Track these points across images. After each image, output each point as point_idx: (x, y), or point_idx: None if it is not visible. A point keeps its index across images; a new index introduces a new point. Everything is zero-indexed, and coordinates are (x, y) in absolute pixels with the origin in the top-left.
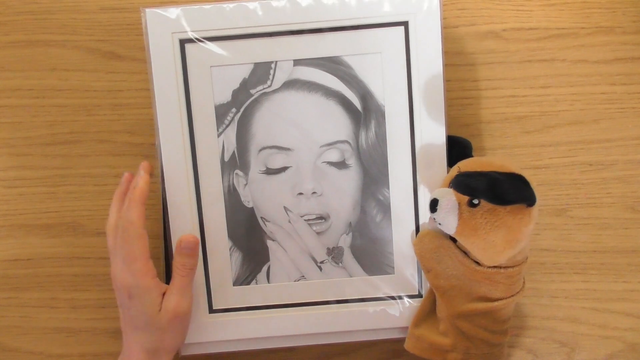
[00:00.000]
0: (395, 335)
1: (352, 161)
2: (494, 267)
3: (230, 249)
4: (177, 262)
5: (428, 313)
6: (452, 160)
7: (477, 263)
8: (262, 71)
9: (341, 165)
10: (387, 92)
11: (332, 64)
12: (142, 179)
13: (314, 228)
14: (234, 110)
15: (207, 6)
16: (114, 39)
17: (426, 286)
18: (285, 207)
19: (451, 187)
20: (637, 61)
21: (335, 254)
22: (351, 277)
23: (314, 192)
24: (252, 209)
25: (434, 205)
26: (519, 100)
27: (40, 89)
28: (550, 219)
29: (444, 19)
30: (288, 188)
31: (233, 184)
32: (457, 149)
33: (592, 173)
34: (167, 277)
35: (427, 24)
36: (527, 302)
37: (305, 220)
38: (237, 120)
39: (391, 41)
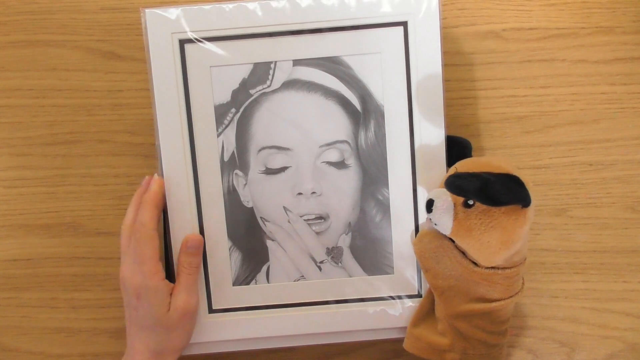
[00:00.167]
0: (395, 335)
1: (351, 161)
2: (492, 268)
3: (229, 249)
4: (183, 261)
5: (427, 313)
6: (451, 161)
7: (475, 264)
8: (261, 71)
9: (340, 165)
10: (386, 92)
11: (332, 64)
12: (156, 183)
13: (314, 228)
14: (233, 110)
15: (206, 6)
16: (114, 39)
17: (425, 286)
18: (284, 207)
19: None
20: (637, 61)
21: (334, 254)
22: (351, 277)
23: (314, 192)
24: (251, 209)
25: (429, 205)
26: (519, 100)
27: (40, 89)
28: (550, 219)
29: (443, 19)
30: (287, 188)
31: (232, 184)
32: (457, 149)
33: (592, 173)
34: (168, 276)
35: (427, 24)
36: (527, 302)
37: (304, 220)
38: (236, 121)
39: (390, 41)
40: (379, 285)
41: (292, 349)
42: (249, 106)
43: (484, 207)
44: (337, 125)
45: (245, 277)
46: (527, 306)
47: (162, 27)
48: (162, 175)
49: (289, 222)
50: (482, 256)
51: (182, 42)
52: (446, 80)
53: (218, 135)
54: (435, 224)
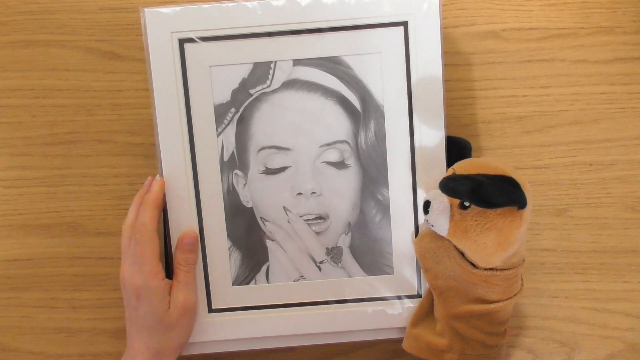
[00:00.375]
0: (395, 335)
1: (351, 161)
2: (490, 269)
3: (229, 249)
4: (180, 259)
5: (426, 313)
6: (451, 161)
7: (474, 265)
8: (261, 71)
9: (340, 165)
10: (386, 92)
11: (332, 64)
12: (157, 184)
13: (313, 228)
14: (233, 110)
15: (206, 6)
16: (114, 39)
17: (425, 287)
18: (284, 207)
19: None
20: (637, 61)
21: (334, 254)
22: (350, 277)
23: (313, 192)
24: (251, 208)
25: (426, 207)
26: (519, 100)
27: (40, 89)
28: (550, 219)
29: (443, 19)
30: (287, 188)
31: (232, 183)
32: (456, 149)
33: (592, 173)
34: (168, 276)
35: (427, 25)
36: (527, 302)
37: (304, 220)
38: (236, 120)
39: (391, 41)
40: (379, 285)
41: (292, 349)
42: (248, 106)
43: (480, 208)
44: (337, 125)
45: (245, 276)
46: (527, 306)
47: (162, 26)
48: (161, 175)
49: (288, 222)
50: (479, 257)
51: (182, 42)
52: (446, 80)
53: (218, 135)
54: (432, 225)
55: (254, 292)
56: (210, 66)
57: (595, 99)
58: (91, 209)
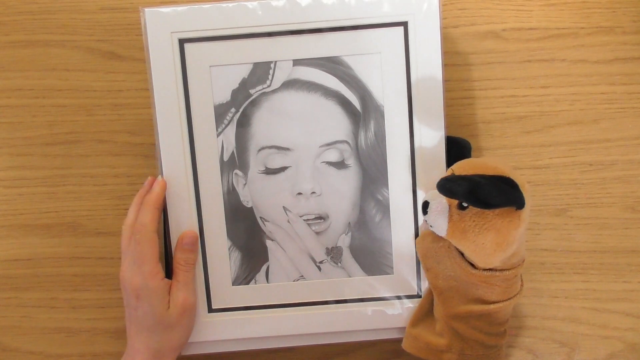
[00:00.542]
0: (395, 335)
1: (351, 161)
2: (489, 270)
3: (229, 249)
4: (180, 258)
5: (426, 313)
6: (450, 161)
7: (473, 266)
8: (261, 71)
9: (340, 165)
10: (386, 93)
11: (332, 64)
12: (159, 185)
13: (313, 228)
14: (233, 110)
15: (206, 6)
16: (114, 39)
17: (425, 287)
18: (284, 207)
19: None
20: (637, 61)
21: (334, 254)
22: (350, 277)
23: (313, 192)
24: (251, 208)
25: (425, 207)
26: (519, 100)
27: (40, 89)
28: (550, 219)
29: (444, 19)
30: (287, 188)
31: (232, 183)
32: (456, 149)
33: (592, 173)
34: (168, 276)
35: (427, 25)
36: (527, 302)
37: (304, 220)
38: (236, 120)
39: (390, 41)
40: (379, 285)
41: (292, 349)
42: (248, 106)
43: (478, 209)
44: (337, 125)
45: (245, 276)
46: (527, 306)
47: (162, 26)
48: (162, 175)
49: (288, 222)
50: (478, 258)
51: (182, 42)
52: (446, 80)
53: (218, 135)
54: (431, 226)
55: (254, 292)
56: (210, 66)
57: (595, 99)
58: (91, 209)
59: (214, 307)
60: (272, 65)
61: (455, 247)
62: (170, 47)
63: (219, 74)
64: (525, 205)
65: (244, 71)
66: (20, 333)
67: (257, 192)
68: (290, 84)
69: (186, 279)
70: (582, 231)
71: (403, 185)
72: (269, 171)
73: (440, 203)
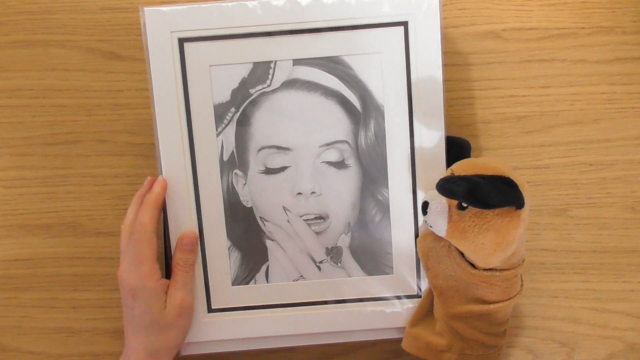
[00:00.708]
0: (395, 335)
1: (351, 161)
2: (489, 270)
3: (229, 249)
4: (179, 259)
5: (426, 313)
6: (450, 161)
7: (473, 266)
8: (261, 71)
9: (340, 165)
10: (386, 92)
11: (332, 64)
12: (159, 184)
13: (313, 228)
14: (233, 109)
15: (206, 5)
16: (114, 39)
17: (424, 287)
18: (284, 207)
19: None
20: (637, 61)
21: (334, 254)
22: (350, 277)
23: (313, 192)
24: (251, 208)
25: (425, 207)
26: (519, 100)
27: (40, 89)
28: (550, 219)
29: (444, 19)
30: (287, 188)
31: (232, 183)
32: (455, 149)
33: (592, 173)
34: (167, 276)
35: (427, 25)
36: (527, 302)
37: (304, 220)
38: (236, 120)
39: (391, 41)
40: (378, 285)
41: (292, 349)
42: (248, 106)
43: (477, 209)
44: (337, 125)
45: (245, 276)
46: (527, 306)
47: (161, 25)
48: (161, 174)
49: (288, 222)
50: (478, 258)
51: (182, 41)
52: (446, 80)
53: (217, 135)
54: (431, 226)
55: (254, 292)
56: (210, 66)
57: (595, 99)
58: (91, 209)
59: (213, 307)
60: (272, 64)
61: (455, 247)
62: (170, 46)
63: (218, 73)
64: (525, 205)
65: (243, 71)
66: (20, 333)
67: (256, 192)
68: (290, 83)
69: (185, 279)
70: (582, 231)
71: (403, 185)
72: (269, 171)
73: (440, 203)
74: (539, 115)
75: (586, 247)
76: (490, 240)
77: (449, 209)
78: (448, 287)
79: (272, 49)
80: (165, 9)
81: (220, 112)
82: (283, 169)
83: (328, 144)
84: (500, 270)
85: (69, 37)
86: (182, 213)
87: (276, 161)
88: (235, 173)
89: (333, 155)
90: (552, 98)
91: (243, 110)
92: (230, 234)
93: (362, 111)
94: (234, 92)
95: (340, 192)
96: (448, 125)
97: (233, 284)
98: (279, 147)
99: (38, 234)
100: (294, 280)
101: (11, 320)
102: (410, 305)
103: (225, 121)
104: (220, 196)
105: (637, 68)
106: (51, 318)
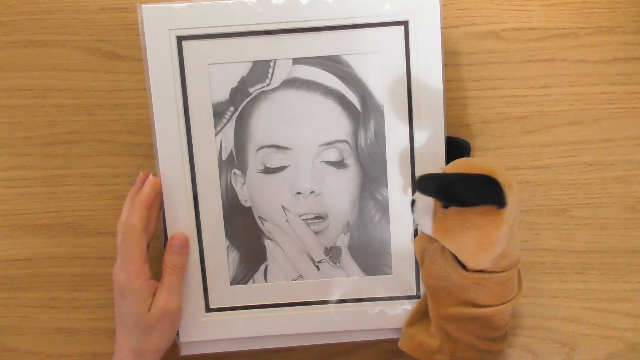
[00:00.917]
0: (394, 335)
1: (350, 161)
2: (480, 271)
3: (227, 248)
4: (167, 260)
5: (423, 313)
6: (449, 161)
7: (465, 267)
8: (260, 69)
9: (340, 164)
10: (386, 92)
11: (332, 63)
12: (149, 183)
13: (312, 227)
14: (232, 108)
15: (205, 3)
16: (114, 39)
17: (423, 287)
18: (283, 207)
19: None
20: (637, 61)
21: (332, 253)
22: (349, 277)
23: (312, 192)
24: (249, 208)
25: (412, 205)
26: (519, 100)
27: (40, 89)
28: (550, 219)
29: (444, 18)
30: (286, 187)
31: (230, 183)
32: (454, 149)
33: (592, 173)
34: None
35: (427, 24)
36: (527, 302)
37: (303, 219)
38: (235, 119)
39: (391, 41)
40: (377, 285)
41: (291, 349)
42: (247, 105)
43: (460, 208)
44: (337, 124)
45: (243, 276)
46: (527, 306)
47: (159, 23)
48: (159, 173)
49: (287, 221)
50: (464, 257)
51: (180, 39)
52: (446, 80)
53: (216, 134)
54: (418, 224)
55: (252, 292)
56: (208, 64)
57: (595, 99)
58: (91, 209)
59: (211, 306)
60: (271, 63)
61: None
62: (168, 44)
63: (217, 72)
64: (508, 205)
65: (243, 69)
66: (20, 333)
67: (255, 191)
68: (290, 82)
69: (171, 282)
70: (582, 231)
71: (402, 185)
72: (268, 170)
73: (426, 202)
74: (539, 115)
75: (586, 247)
76: (473, 239)
77: (435, 207)
78: (440, 288)
79: (271, 47)
80: (163, 6)
81: (219, 111)
82: (282, 168)
83: (327, 144)
84: (491, 272)
85: (69, 37)
86: (180, 212)
87: (275, 160)
88: (234, 172)
89: (332, 155)
90: (552, 98)
91: (242, 109)
92: (229, 234)
93: (362, 111)
94: (233, 91)
95: (339, 191)
96: (448, 125)
97: (231, 283)
98: (278, 147)
99: (38, 234)
100: (292, 280)
101: (11, 320)
102: (409, 306)
103: (224, 120)
104: (219, 196)
105: (637, 68)
106: (51, 318)
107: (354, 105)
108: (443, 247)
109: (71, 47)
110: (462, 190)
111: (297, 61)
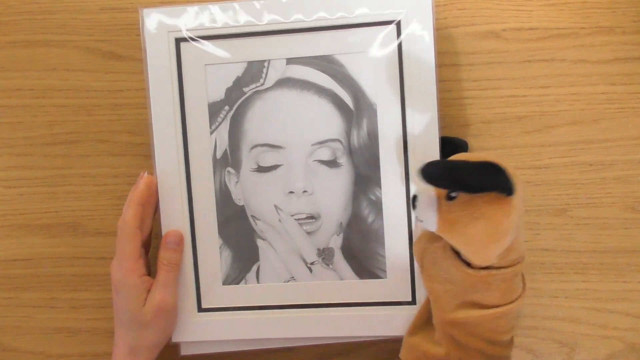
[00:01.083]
0: (394, 335)
1: (343, 160)
2: (486, 268)
3: (220, 247)
4: (162, 257)
5: (425, 321)
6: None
7: (470, 265)
8: (255, 69)
9: (332, 164)
10: (379, 91)
11: (325, 63)
12: (143, 181)
13: (305, 228)
14: (227, 108)
15: (202, 5)
16: (114, 39)
17: (420, 293)
18: (275, 206)
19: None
20: (637, 61)
21: (325, 255)
22: (342, 279)
23: (305, 191)
24: (242, 207)
25: (414, 201)
26: (519, 100)
27: (40, 89)
28: (550, 219)
29: (443, 19)
30: (279, 186)
31: (224, 181)
32: (449, 147)
33: (592, 173)
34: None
35: (420, 23)
36: (527, 302)
37: (295, 219)
38: (229, 118)
39: (383, 40)
40: (371, 289)
41: (291, 349)
42: (242, 104)
43: (467, 197)
44: (330, 123)
45: (236, 276)
46: (527, 306)
47: (159, 25)
48: (155, 171)
49: (279, 220)
50: (472, 252)
51: (178, 41)
52: (446, 80)
53: (211, 133)
54: (421, 221)
55: (244, 292)
56: (205, 65)
57: (595, 99)
58: (91, 209)
59: (203, 306)
60: (265, 64)
61: (451, 247)
62: (167, 46)
63: (213, 72)
64: (516, 192)
65: (238, 70)
66: (20, 333)
67: (249, 190)
68: (284, 82)
69: (166, 279)
70: (582, 231)
71: (396, 185)
72: (261, 169)
73: (429, 195)
74: (539, 115)
75: (586, 247)
76: (482, 230)
77: (438, 200)
78: (444, 291)
79: (266, 48)
80: (163, 10)
81: (214, 110)
82: (275, 167)
83: (320, 143)
84: (498, 268)
85: (69, 37)
86: (174, 210)
87: (268, 159)
88: (228, 171)
89: (325, 154)
90: (552, 98)
91: (237, 109)
92: (222, 233)
93: (355, 110)
94: (228, 91)
95: (332, 191)
96: (448, 125)
97: (224, 283)
98: (271, 145)
99: (38, 234)
100: (284, 282)
101: (11, 320)
102: (403, 312)
103: (219, 119)
104: (213, 194)
105: (637, 68)
106: (51, 318)
107: (347, 104)
108: (444, 247)
109: (71, 47)
110: (471, 174)
111: (290, 61)
